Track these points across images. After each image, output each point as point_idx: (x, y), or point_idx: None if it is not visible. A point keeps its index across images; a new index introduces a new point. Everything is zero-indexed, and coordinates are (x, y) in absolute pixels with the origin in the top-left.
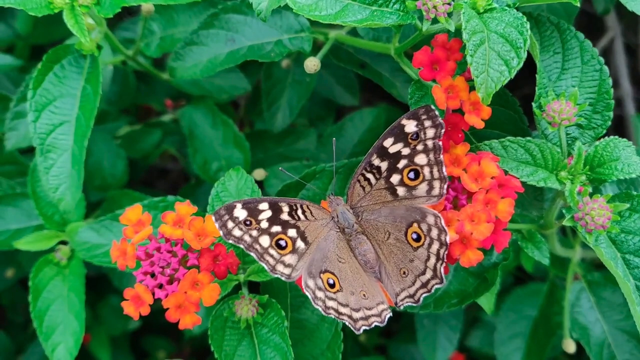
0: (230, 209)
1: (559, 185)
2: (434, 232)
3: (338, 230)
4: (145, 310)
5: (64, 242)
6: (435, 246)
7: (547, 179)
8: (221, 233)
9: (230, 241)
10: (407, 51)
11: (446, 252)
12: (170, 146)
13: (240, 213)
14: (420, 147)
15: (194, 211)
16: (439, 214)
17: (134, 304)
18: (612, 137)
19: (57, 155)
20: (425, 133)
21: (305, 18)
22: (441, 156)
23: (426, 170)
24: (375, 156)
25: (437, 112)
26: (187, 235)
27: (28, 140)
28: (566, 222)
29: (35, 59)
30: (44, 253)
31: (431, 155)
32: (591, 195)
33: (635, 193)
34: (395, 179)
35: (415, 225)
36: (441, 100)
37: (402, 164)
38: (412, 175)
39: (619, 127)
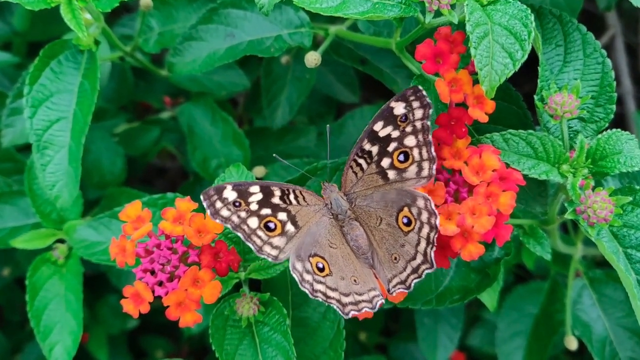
0: (219, 190)
1: (561, 178)
2: (424, 216)
3: (331, 216)
4: (145, 308)
5: (61, 241)
6: (426, 230)
7: (548, 172)
8: (208, 212)
9: (218, 221)
10: (408, 46)
11: (436, 236)
12: (169, 144)
13: (230, 194)
14: (409, 128)
15: (194, 207)
16: (429, 197)
17: (134, 302)
18: (614, 130)
19: (54, 152)
20: (413, 114)
21: (306, 13)
22: (430, 137)
23: (415, 152)
24: (366, 141)
25: (425, 93)
26: (187, 231)
27: (25, 137)
28: (568, 216)
29: (32, 56)
30: (41, 251)
31: (420, 136)
32: (593, 188)
33: (637, 187)
34: (385, 162)
35: (406, 209)
36: (444, 94)
37: (392, 146)
38: (402, 157)
39: (620, 126)
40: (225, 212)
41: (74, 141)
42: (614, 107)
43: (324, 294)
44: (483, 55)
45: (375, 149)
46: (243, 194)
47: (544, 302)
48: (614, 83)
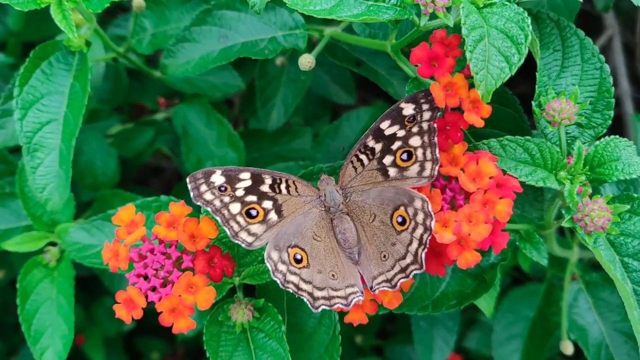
0: (208, 174)
1: (558, 185)
2: (420, 217)
3: (322, 209)
4: (138, 314)
5: (53, 244)
6: (419, 231)
7: (546, 179)
8: (192, 194)
9: (199, 203)
10: (403, 49)
11: (429, 238)
12: (163, 145)
13: (218, 179)
14: (415, 129)
15: (188, 212)
16: (427, 199)
17: (127, 308)
18: (612, 136)
19: (44, 154)
20: (421, 116)
21: (300, 15)
22: (435, 138)
23: (419, 152)
24: (370, 138)
25: (434, 96)
26: (181, 236)
27: (16, 139)
28: (565, 223)
29: (27, 57)
30: (33, 254)
31: (425, 137)
32: (591, 196)
33: (635, 195)
34: (388, 160)
35: (402, 208)
36: (440, 98)
37: (396, 145)
38: (405, 156)
39: (617, 127)
40: (208, 196)
41: (64, 143)
42: (611, 112)
43: (296, 286)
44: (479, 58)
45: (378, 146)
46: (231, 179)
47: (540, 305)
48: (612, 89)
